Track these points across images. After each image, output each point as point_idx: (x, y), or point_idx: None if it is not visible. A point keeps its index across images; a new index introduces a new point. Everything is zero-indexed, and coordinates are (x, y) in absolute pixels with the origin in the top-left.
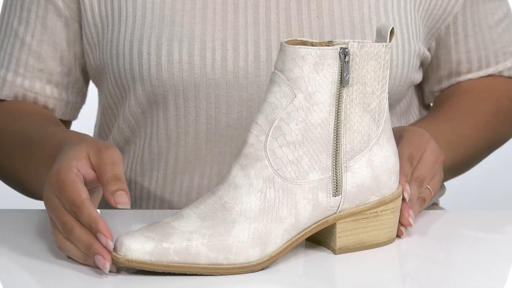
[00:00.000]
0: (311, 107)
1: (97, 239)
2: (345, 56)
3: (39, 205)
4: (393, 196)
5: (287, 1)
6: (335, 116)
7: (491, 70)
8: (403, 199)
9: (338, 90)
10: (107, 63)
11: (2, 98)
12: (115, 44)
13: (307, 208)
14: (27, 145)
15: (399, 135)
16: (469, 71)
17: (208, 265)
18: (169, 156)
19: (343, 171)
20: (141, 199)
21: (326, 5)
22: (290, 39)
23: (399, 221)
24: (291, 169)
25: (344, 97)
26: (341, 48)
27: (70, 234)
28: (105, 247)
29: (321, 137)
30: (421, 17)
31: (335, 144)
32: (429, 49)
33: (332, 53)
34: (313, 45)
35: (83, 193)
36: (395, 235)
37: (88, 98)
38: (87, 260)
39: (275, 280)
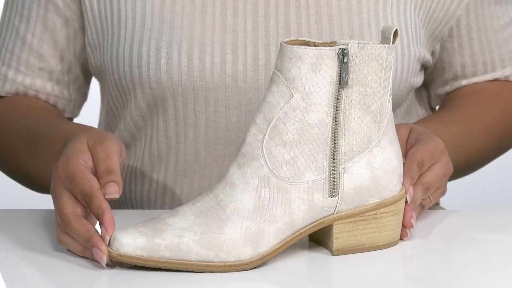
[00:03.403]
0: (308, 107)
1: (96, 232)
2: (343, 57)
3: (39, 205)
4: (394, 198)
5: (286, 6)
6: (333, 117)
7: (497, 74)
8: (406, 201)
9: (337, 91)
10: (107, 65)
11: (3, 94)
12: (115, 46)
13: (302, 208)
14: (34, 141)
15: (415, 138)
16: (475, 74)
17: (199, 262)
18: (169, 159)
19: (340, 172)
20: (142, 202)
21: (325, 10)
22: (291, 39)
23: (402, 223)
24: (286, 168)
25: (343, 98)
26: (340, 48)
27: (68, 228)
28: (103, 240)
29: (318, 137)
30: (421, 20)
31: (332, 145)
32: (433, 53)
33: (330, 53)
34: (315, 46)
35: (94, 183)
36: (397, 238)
37: (90, 96)
38: (86, 253)
39: (267, 279)
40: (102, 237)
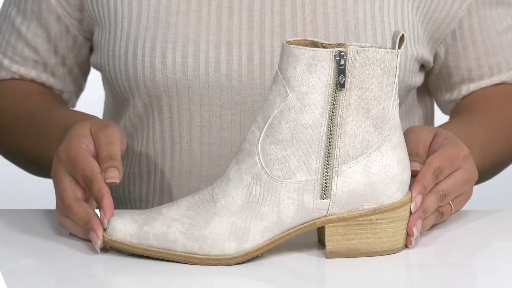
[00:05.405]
0: (303, 108)
1: (96, 215)
2: (340, 59)
3: (39, 205)
4: (392, 205)
5: (282, 5)
6: (329, 119)
7: (504, 77)
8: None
9: (334, 93)
10: (104, 63)
11: None
12: (111, 45)
13: (291, 208)
14: (35, 127)
15: (439, 143)
16: (481, 77)
17: (184, 253)
18: (165, 159)
19: (333, 175)
20: (140, 202)
21: (321, 9)
22: (299, 38)
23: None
24: (278, 167)
25: (341, 100)
26: (337, 51)
27: (68, 211)
28: (101, 225)
29: (311, 138)
30: (419, 20)
31: (327, 147)
32: (436, 55)
33: (326, 55)
34: (324, 47)
35: (96, 167)
36: (399, 245)
37: (91, 95)
38: (87, 235)
39: (250, 275)
40: (100, 221)
